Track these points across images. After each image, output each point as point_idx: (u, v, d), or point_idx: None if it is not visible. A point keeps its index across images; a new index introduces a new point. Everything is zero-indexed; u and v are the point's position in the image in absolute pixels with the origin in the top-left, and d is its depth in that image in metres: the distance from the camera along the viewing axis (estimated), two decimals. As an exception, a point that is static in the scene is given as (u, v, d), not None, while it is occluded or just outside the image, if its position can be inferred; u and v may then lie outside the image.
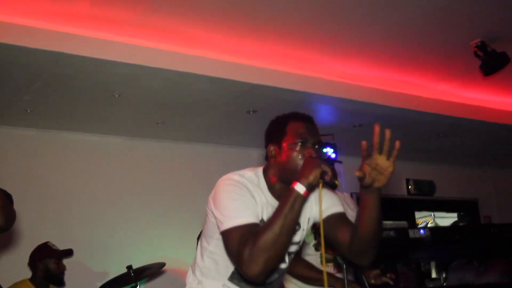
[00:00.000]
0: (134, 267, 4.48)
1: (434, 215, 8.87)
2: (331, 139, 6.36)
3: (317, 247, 3.39)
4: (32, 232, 5.02)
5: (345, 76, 5.25)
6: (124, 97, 4.80)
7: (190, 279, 2.28)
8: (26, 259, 4.55)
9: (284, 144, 2.10)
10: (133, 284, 4.49)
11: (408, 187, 7.85)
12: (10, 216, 2.50)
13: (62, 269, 4.59)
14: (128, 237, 5.61)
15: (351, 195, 3.96)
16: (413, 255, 3.00)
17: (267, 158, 2.20)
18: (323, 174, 1.93)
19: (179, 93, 4.84)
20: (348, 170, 6.95)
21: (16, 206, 2.71)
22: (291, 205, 1.91)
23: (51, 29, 3.94)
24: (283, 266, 2.20)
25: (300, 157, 2.06)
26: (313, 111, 5.60)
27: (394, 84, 5.51)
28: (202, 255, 2.24)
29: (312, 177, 1.92)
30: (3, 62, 4.01)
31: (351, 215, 3.59)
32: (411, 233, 2.88)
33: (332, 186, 1.99)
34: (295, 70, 5.00)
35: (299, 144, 2.08)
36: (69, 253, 4.73)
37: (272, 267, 1.93)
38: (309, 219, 2.25)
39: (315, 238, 3.40)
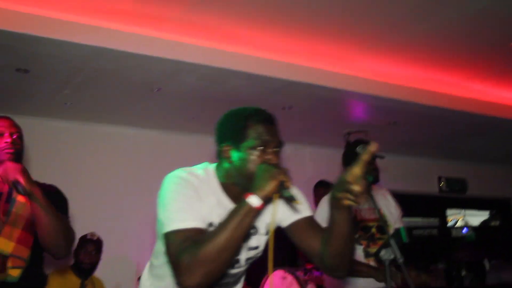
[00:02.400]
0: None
1: (464, 212, 8.81)
2: (364, 136, 6.36)
3: (358, 240, 3.40)
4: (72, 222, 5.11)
5: (380, 73, 5.24)
6: (162, 92, 4.87)
7: None
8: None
9: (242, 147, 1.88)
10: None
11: (440, 184, 7.81)
12: (71, 239, 2.61)
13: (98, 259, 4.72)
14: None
15: None
16: (455, 254, 2.99)
17: (219, 157, 1.98)
18: (281, 185, 1.75)
19: (216, 89, 4.88)
20: (383, 166, 6.97)
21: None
22: (241, 219, 1.71)
23: (94, 24, 4.01)
24: (236, 271, 2.04)
25: (258, 163, 1.85)
26: (347, 108, 5.62)
27: (429, 82, 5.49)
28: (149, 271, 2.16)
29: (268, 189, 1.73)
30: (45, 56, 4.09)
31: (393, 212, 3.59)
32: (454, 232, 2.87)
33: (289, 199, 1.78)
34: (330, 67, 5.01)
35: (260, 149, 1.87)
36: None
37: (212, 280, 1.76)
38: (268, 223, 2.03)
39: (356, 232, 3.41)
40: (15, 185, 2.40)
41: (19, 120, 3.05)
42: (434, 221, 7.76)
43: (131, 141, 5.93)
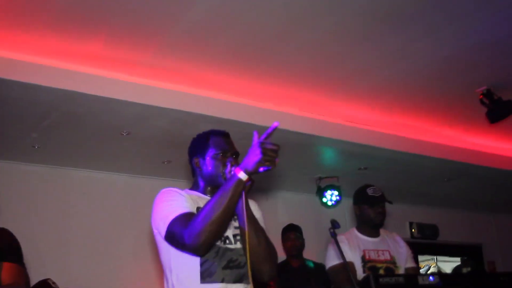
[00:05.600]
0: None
1: (436, 259, 8.79)
2: (335, 181, 6.38)
3: None
4: (33, 268, 4.97)
5: (350, 119, 5.29)
6: (132, 135, 4.83)
7: None
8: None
9: (208, 156, 2.42)
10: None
11: (411, 230, 7.80)
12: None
13: None
14: (132, 276, 5.55)
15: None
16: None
17: (193, 171, 2.51)
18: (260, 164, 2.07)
19: (187, 133, 4.81)
20: (353, 212, 6.95)
21: (20, 241, 2.71)
22: (233, 186, 2.09)
23: (63, 67, 3.98)
24: (233, 246, 2.34)
25: (222, 165, 2.37)
26: (318, 154, 5.63)
27: (400, 128, 5.56)
28: (170, 283, 2.32)
29: (255, 167, 2.06)
30: (13, 99, 4.04)
31: (403, 253, 3.62)
32: (420, 280, 2.86)
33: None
34: (301, 112, 5.05)
35: (221, 154, 2.40)
36: None
37: (214, 240, 2.18)
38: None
39: None
40: None
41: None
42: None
43: (101, 186, 5.83)
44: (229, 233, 2.35)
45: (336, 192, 6.32)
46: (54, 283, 4.55)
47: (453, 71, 4.44)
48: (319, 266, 5.49)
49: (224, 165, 2.34)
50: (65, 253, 5.38)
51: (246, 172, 2.09)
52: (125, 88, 4.19)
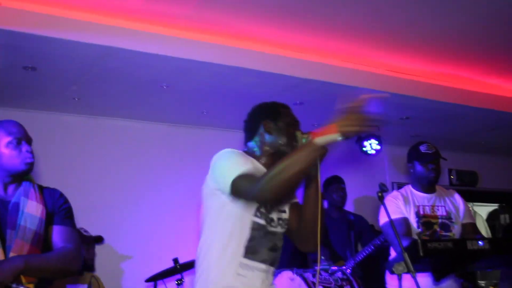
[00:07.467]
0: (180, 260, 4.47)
1: (473, 204, 8.69)
2: (376, 130, 6.27)
3: (419, 236, 3.41)
4: (75, 218, 5.07)
5: (392, 69, 5.15)
6: (171, 88, 4.80)
7: (203, 275, 2.30)
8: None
9: (281, 122, 2.40)
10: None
11: (450, 177, 7.68)
12: (80, 262, 2.55)
13: (91, 255, 4.60)
14: (172, 227, 5.61)
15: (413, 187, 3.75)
16: (471, 266, 2.94)
17: (254, 135, 2.45)
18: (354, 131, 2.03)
19: (227, 86, 4.80)
20: (393, 159, 6.89)
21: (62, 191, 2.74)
22: (308, 152, 2.04)
23: (102, 23, 3.94)
24: (274, 229, 2.35)
25: (292, 134, 2.36)
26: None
27: (442, 78, 5.41)
28: (211, 246, 2.30)
29: (331, 138, 1.99)
30: (53, 56, 4.04)
31: (460, 210, 3.61)
32: (469, 245, 2.82)
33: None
34: (343, 63, 4.93)
35: (293, 124, 2.41)
36: (99, 240, 4.77)
37: (285, 193, 2.18)
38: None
39: None
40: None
41: (27, 115, 2.97)
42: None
43: (140, 135, 5.84)
44: (274, 215, 2.37)
45: (376, 142, 6.22)
46: (86, 231, 4.64)
47: (502, 19, 4.24)
48: (359, 219, 5.47)
49: (296, 135, 2.35)
50: (105, 199, 5.44)
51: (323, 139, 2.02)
52: (164, 42, 4.13)
